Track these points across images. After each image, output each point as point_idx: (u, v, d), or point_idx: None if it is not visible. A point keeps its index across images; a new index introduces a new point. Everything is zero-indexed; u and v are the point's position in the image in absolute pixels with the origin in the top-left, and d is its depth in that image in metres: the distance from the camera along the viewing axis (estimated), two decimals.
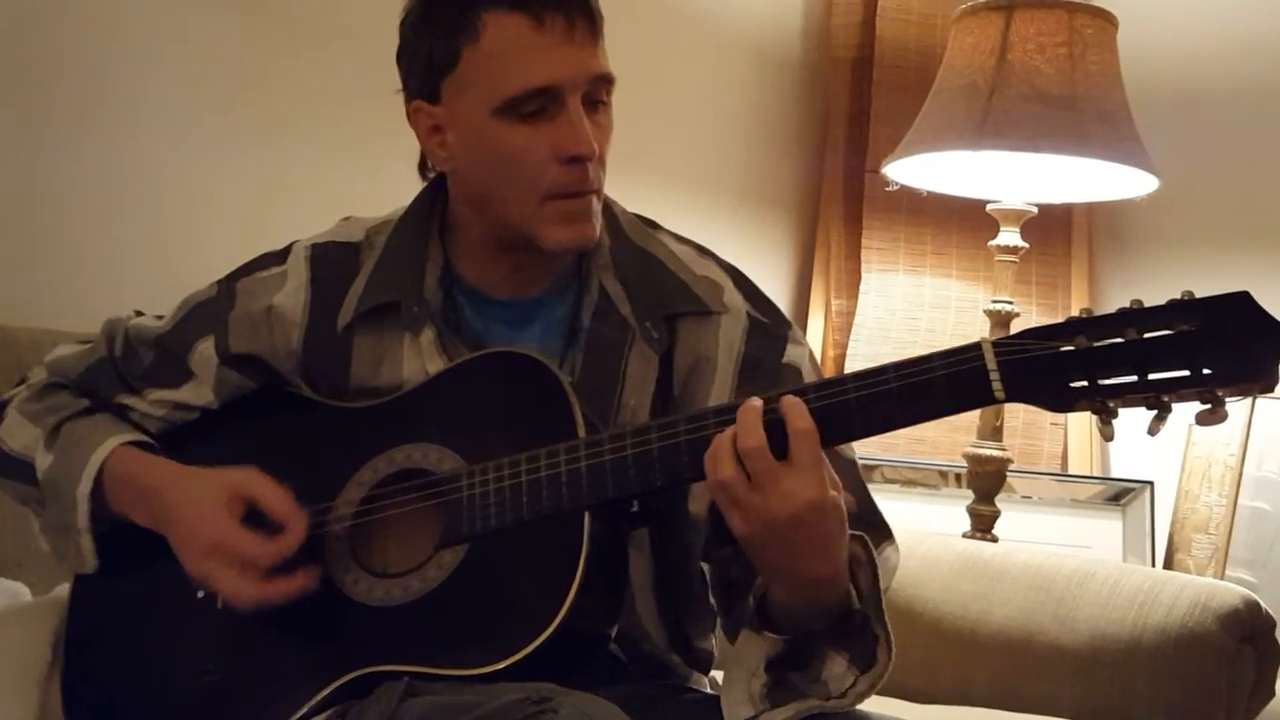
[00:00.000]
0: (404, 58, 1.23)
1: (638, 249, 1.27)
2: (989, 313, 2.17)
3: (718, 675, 1.30)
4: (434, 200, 1.28)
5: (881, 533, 1.20)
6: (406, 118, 1.24)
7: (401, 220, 1.28)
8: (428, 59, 1.20)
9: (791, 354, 1.25)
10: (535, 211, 1.18)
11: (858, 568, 1.10)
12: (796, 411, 1.03)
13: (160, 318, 1.32)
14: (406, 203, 1.31)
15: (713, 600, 1.26)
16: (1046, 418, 2.39)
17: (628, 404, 1.21)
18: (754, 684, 1.09)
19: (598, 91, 1.19)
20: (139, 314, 1.35)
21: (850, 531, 1.07)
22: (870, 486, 2.46)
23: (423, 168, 1.29)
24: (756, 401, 1.04)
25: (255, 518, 1.17)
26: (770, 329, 1.26)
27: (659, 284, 1.25)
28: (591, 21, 1.17)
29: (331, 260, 1.28)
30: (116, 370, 1.30)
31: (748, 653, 1.11)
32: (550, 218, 1.18)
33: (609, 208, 1.28)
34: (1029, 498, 2.35)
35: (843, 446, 1.24)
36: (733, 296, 1.26)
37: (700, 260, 1.29)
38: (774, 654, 1.10)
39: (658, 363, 1.23)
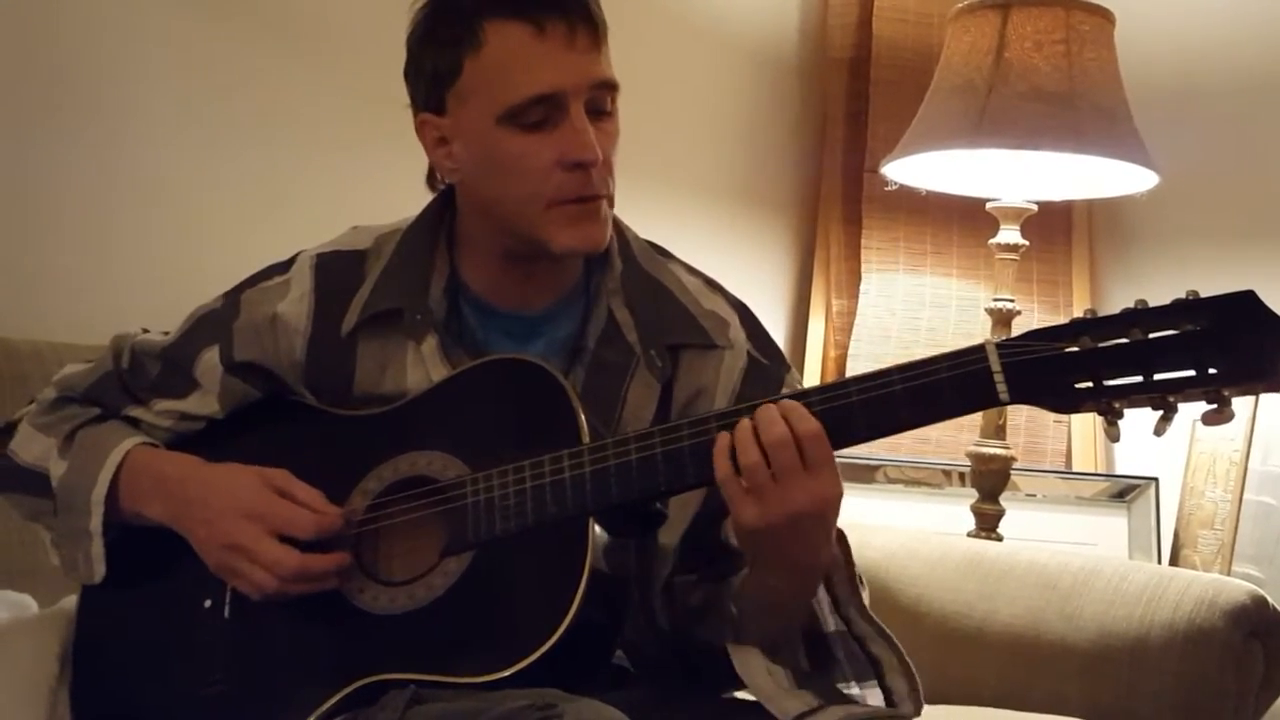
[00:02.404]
0: (410, 72, 1.23)
1: (648, 277, 1.27)
2: (990, 311, 2.17)
3: None
4: (443, 210, 1.29)
5: None
6: (415, 132, 1.24)
7: (410, 229, 1.29)
8: (432, 71, 1.20)
9: None
10: (540, 217, 1.18)
11: (834, 569, 1.14)
12: (800, 416, 1.05)
13: (166, 334, 1.33)
14: (407, 207, 1.31)
15: (664, 622, 1.24)
16: (1050, 415, 2.39)
17: (625, 429, 1.21)
18: (777, 678, 1.11)
19: (601, 99, 1.18)
20: (145, 331, 1.35)
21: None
22: (873, 487, 2.49)
23: (431, 180, 1.29)
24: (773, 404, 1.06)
25: None
26: (769, 370, 1.27)
27: (666, 313, 1.26)
28: (593, 28, 1.17)
29: (336, 269, 1.28)
30: (123, 383, 1.30)
31: (747, 662, 1.12)
32: (556, 221, 1.18)
33: (622, 233, 1.28)
34: (1033, 496, 2.34)
35: None
36: (737, 334, 1.27)
37: (709, 294, 1.29)
38: (770, 656, 1.12)
39: (658, 391, 1.23)
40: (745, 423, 1.05)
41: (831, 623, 1.14)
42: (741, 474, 1.04)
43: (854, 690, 1.13)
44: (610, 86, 1.19)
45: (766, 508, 1.04)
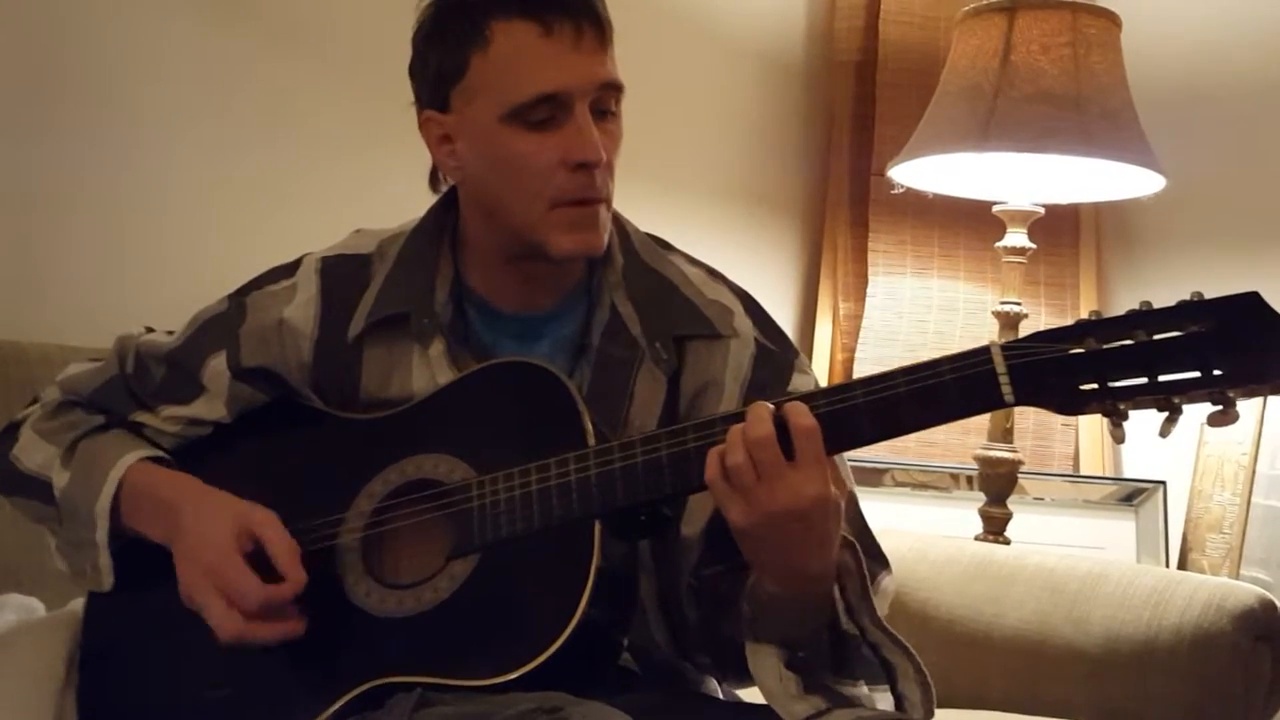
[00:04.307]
0: (416, 69, 1.24)
1: (650, 270, 1.27)
2: (997, 314, 2.17)
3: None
4: (446, 213, 1.29)
5: (879, 562, 1.22)
6: (419, 129, 1.25)
7: (413, 232, 1.29)
8: (438, 68, 1.20)
9: (797, 382, 1.25)
10: (542, 219, 1.18)
11: (846, 577, 1.12)
12: (799, 411, 1.04)
13: (171, 333, 1.33)
14: (411, 210, 1.31)
15: (692, 615, 1.23)
16: (1057, 419, 2.39)
17: (634, 423, 1.21)
18: (787, 685, 1.10)
19: (606, 100, 1.19)
20: (149, 330, 1.35)
21: (842, 535, 1.09)
22: (881, 490, 2.49)
23: (433, 181, 1.29)
24: (767, 403, 1.06)
25: (259, 558, 1.16)
26: (777, 356, 1.26)
27: (670, 305, 1.25)
28: (600, 30, 1.17)
29: (342, 273, 1.28)
30: (129, 388, 1.31)
31: (762, 663, 1.12)
32: (557, 225, 1.18)
33: (622, 227, 1.28)
34: (1041, 499, 2.34)
35: (843, 478, 1.25)
36: (743, 322, 1.26)
37: (712, 284, 1.29)
38: (786, 659, 1.11)
39: (665, 384, 1.23)
40: (736, 426, 1.05)
41: (843, 622, 1.13)
42: (728, 475, 1.04)
43: (861, 690, 1.12)
44: (615, 88, 1.19)
45: (750, 507, 1.03)
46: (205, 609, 1.15)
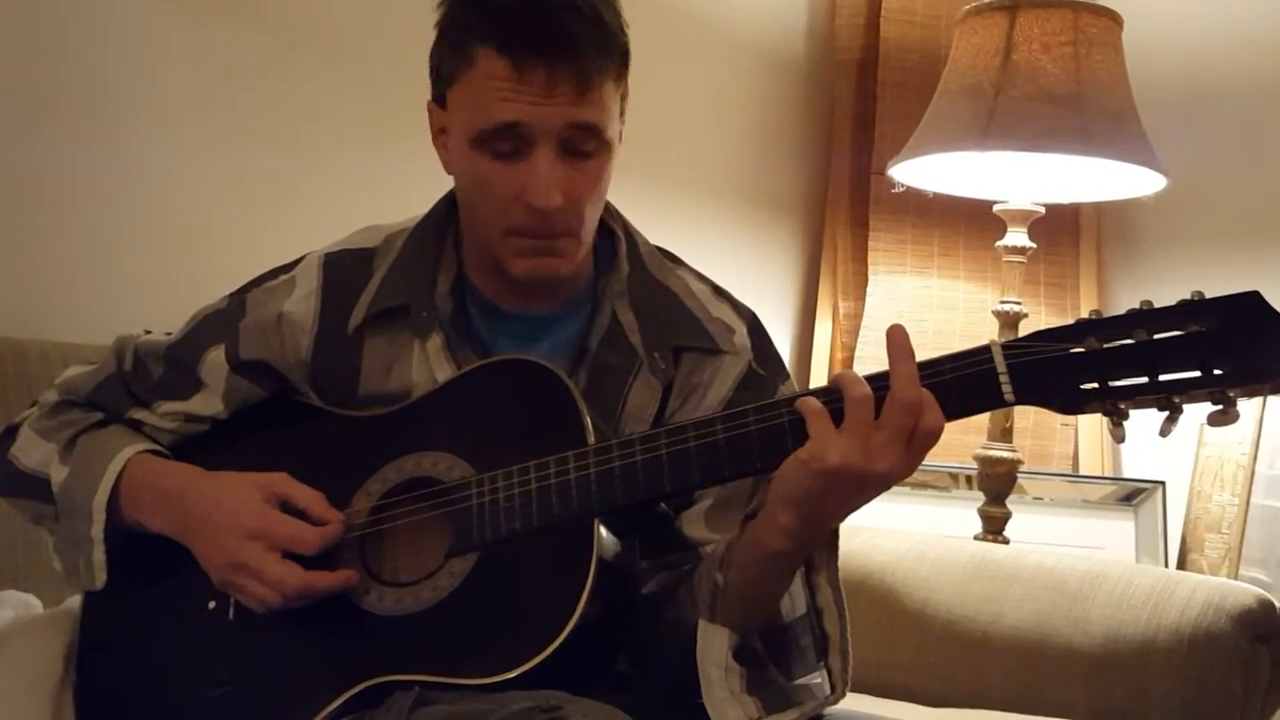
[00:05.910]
0: (432, 55, 1.23)
1: (655, 282, 1.27)
2: (997, 314, 2.16)
3: None
4: (451, 209, 1.29)
5: None
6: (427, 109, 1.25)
7: (418, 226, 1.29)
8: (437, 68, 1.22)
9: None
10: (500, 241, 1.20)
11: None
12: (934, 405, 1.03)
13: (169, 334, 1.33)
14: (415, 207, 1.32)
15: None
16: (1057, 418, 2.39)
17: (625, 430, 1.21)
18: (730, 679, 1.10)
19: (579, 141, 1.16)
20: (148, 333, 1.35)
21: None
22: None
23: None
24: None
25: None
26: (765, 381, 1.26)
27: (672, 318, 1.26)
28: (578, 73, 1.13)
29: (344, 267, 1.28)
30: (126, 386, 1.31)
31: (711, 643, 1.11)
32: (514, 249, 1.19)
33: (632, 237, 1.29)
34: (1040, 499, 2.34)
35: None
36: (742, 341, 1.27)
37: (717, 301, 1.29)
38: (736, 645, 1.11)
39: (660, 392, 1.23)
40: (851, 371, 1.04)
41: (802, 601, 1.13)
42: (847, 406, 1.02)
43: (815, 680, 1.12)
44: (588, 129, 1.15)
45: (852, 449, 1.01)
46: (259, 574, 1.15)
